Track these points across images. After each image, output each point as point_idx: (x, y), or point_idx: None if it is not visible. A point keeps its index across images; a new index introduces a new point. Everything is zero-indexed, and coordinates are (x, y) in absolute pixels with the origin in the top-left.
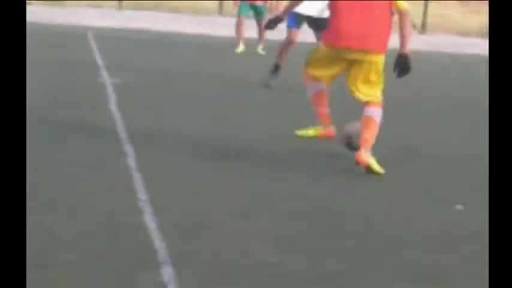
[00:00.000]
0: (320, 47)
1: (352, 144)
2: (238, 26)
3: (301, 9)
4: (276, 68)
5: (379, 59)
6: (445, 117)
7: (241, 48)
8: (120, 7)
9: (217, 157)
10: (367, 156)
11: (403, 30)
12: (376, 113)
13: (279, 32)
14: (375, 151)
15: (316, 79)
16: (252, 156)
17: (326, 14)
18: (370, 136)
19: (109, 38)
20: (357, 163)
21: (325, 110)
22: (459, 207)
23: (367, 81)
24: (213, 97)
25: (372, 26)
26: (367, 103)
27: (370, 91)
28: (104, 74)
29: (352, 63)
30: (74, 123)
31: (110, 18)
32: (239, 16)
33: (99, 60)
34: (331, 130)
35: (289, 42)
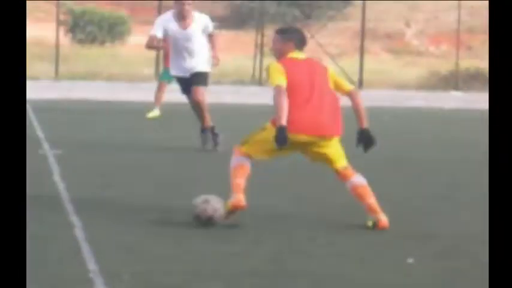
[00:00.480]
0: (268, 128)
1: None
2: (159, 90)
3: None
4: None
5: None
6: (388, 170)
7: (155, 112)
8: (56, 77)
9: (167, 222)
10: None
11: (358, 107)
12: (360, 179)
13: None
14: (318, 206)
15: (247, 155)
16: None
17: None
18: (373, 200)
19: (47, 110)
20: (384, 228)
21: (242, 181)
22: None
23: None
24: (155, 164)
25: (327, 112)
26: (344, 175)
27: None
28: (45, 146)
29: (308, 145)
30: None
31: (47, 90)
32: (160, 80)
33: (39, 133)
34: (242, 199)
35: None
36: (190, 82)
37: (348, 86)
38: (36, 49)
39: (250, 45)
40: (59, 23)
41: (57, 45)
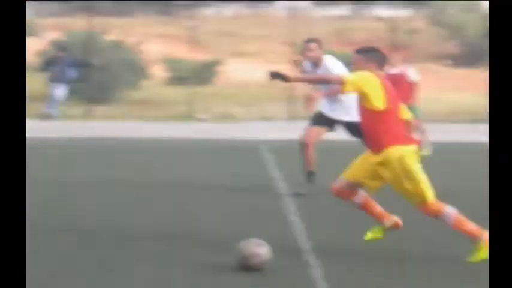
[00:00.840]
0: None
1: (248, 266)
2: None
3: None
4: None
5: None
6: None
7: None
8: (290, 118)
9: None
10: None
11: None
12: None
13: None
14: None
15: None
16: None
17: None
18: (471, 227)
19: (282, 151)
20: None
21: (377, 210)
22: None
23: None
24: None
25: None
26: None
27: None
28: (282, 186)
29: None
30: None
31: (280, 130)
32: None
33: (275, 173)
34: (395, 220)
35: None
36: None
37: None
38: (269, 89)
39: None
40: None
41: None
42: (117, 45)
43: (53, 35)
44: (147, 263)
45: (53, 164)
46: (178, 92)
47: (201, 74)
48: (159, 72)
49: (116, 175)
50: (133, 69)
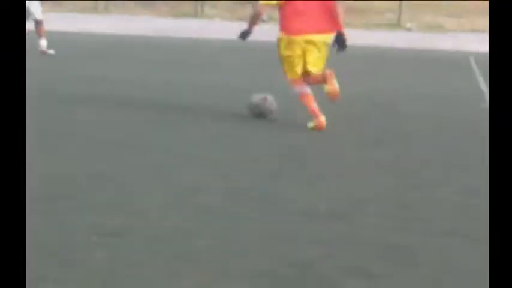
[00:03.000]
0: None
1: (262, 112)
2: None
3: None
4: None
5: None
6: None
7: None
8: None
9: None
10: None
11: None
12: (307, 88)
13: None
14: None
15: (299, 81)
16: None
17: None
18: (313, 107)
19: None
20: (321, 128)
21: (315, 105)
22: None
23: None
24: None
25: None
26: (308, 77)
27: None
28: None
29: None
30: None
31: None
32: None
33: (483, 87)
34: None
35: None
36: None
37: None
38: (481, 2)
39: None
40: None
41: None
42: None
43: None
44: None
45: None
46: (386, 1)
47: None
48: None
49: None
50: None
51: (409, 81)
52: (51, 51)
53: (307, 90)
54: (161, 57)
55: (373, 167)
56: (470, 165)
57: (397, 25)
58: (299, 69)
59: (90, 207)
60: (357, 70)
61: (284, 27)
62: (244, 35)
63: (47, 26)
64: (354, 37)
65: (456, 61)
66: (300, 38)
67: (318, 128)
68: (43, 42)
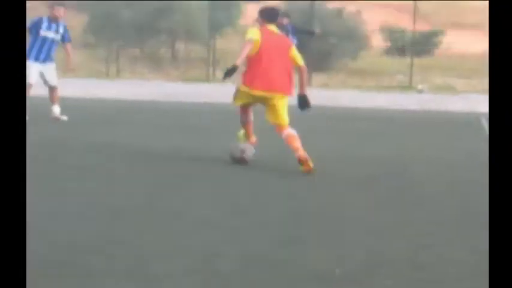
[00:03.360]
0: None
1: (243, 158)
2: None
3: None
4: None
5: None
6: None
7: None
8: None
9: None
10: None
11: (301, 78)
12: (291, 131)
13: None
14: None
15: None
16: None
17: None
18: (299, 144)
19: None
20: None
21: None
22: None
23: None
24: None
25: (281, 75)
26: (281, 128)
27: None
28: None
29: (264, 99)
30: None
31: None
32: None
33: None
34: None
35: None
36: None
37: (300, 62)
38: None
39: None
40: None
41: None
42: (337, 13)
43: (272, 2)
44: None
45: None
46: (397, 62)
47: (420, 45)
48: (378, 41)
49: (337, 143)
50: (353, 38)
51: (420, 143)
52: (64, 118)
53: (251, 118)
54: (171, 122)
55: (386, 228)
56: (483, 224)
57: (408, 87)
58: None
59: (108, 274)
60: (368, 132)
61: (247, 80)
62: (229, 72)
63: (60, 92)
64: (365, 99)
65: (468, 122)
66: (259, 93)
67: (251, 143)
68: (56, 109)
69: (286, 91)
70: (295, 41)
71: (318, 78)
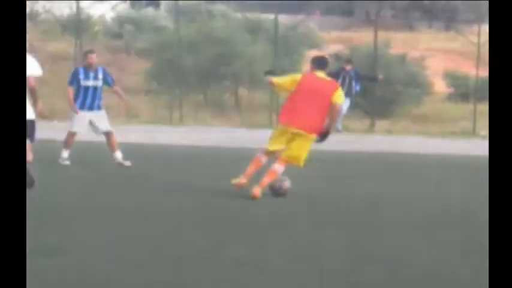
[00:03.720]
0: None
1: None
2: None
3: None
4: None
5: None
6: None
7: None
8: None
9: None
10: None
11: (331, 114)
12: (280, 168)
13: None
14: None
15: (266, 152)
16: None
17: None
18: (269, 180)
19: None
20: (255, 197)
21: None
22: None
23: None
24: None
25: (312, 116)
26: (289, 161)
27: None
28: None
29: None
30: None
31: None
32: None
33: None
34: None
35: None
36: None
37: (337, 101)
38: None
39: None
40: None
41: None
42: (401, 59)
43: (335, 48)
44: None
45: (338, 177)
46: (460, 108)
47: (484, 91)
48: (441, 87)
49: (401, 189)
50: (416, 84)
51: (486, 188)
52: (128, 163)
53: (263, 159)
54: (232, 167)
55: (453, 276)
56: None
57: (471, 133)
58: (276, 147)
59: None
60: (433, 179)
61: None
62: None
63: (122, 138)
64: (429, 145)
65: None
66: (292, 130)
67: (237, 186)
68: (118, 155)
69: (312, 131)
70: (358, 87)
71: (381, 124)
